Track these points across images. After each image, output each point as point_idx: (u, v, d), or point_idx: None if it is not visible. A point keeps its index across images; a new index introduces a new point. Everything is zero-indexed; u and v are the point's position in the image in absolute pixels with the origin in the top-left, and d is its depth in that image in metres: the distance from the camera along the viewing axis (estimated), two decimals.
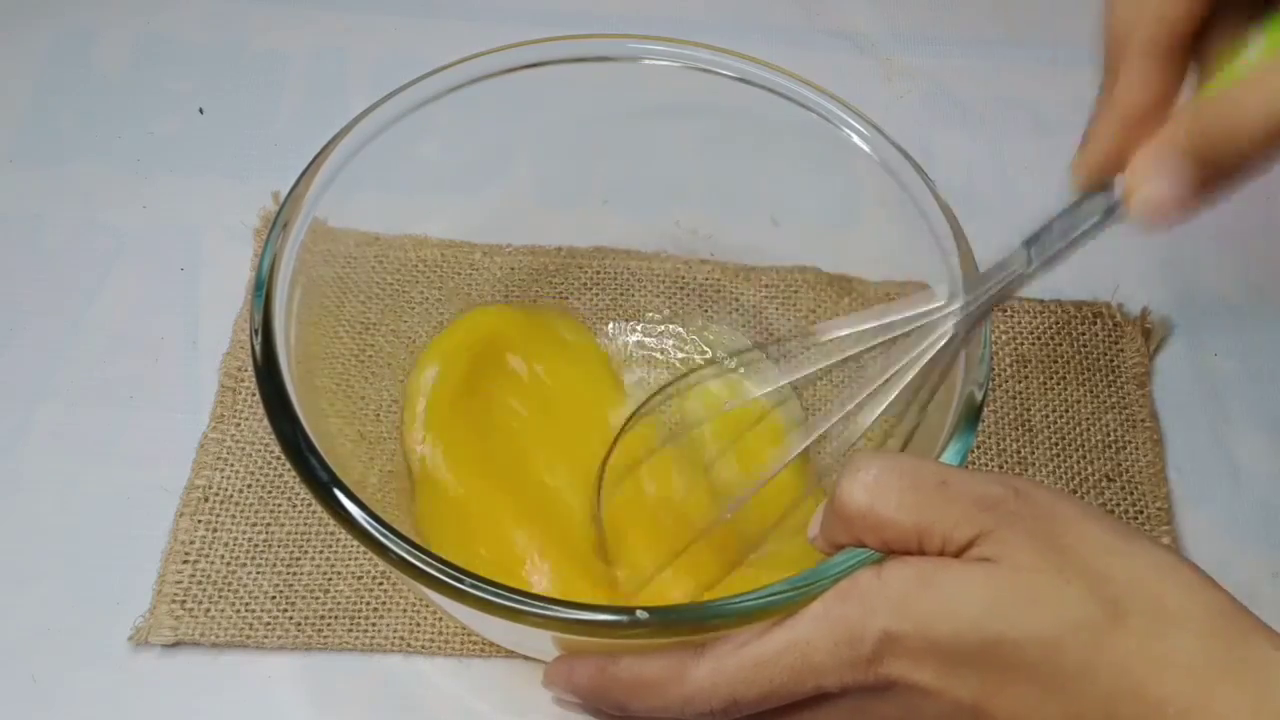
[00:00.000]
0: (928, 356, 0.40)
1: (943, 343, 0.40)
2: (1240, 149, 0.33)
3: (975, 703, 0.33)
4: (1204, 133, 0.34)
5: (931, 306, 0.40)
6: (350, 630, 0.47)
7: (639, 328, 0.55)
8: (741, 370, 0.53)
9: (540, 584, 0.45)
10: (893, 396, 0.40)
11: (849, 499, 0.35)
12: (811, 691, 0.35)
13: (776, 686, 0.35)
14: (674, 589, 0.45)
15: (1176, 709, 0.31)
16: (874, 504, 0.35)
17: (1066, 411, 0.54)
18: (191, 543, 0.49)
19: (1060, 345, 0.56)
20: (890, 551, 0.35)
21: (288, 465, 0.39)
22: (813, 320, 0.54)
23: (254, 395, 0.52)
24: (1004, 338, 0.56)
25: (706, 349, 0.54)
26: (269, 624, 0.47)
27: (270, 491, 0.50)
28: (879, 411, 0.40)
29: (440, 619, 0.48)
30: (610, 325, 0.55)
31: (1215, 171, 0.34)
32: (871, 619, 0.34)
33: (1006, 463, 0.53)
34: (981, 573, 0.33)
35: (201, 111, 0.63)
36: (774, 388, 0.49)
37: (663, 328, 0.55)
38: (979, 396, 0.40)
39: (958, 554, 0.34)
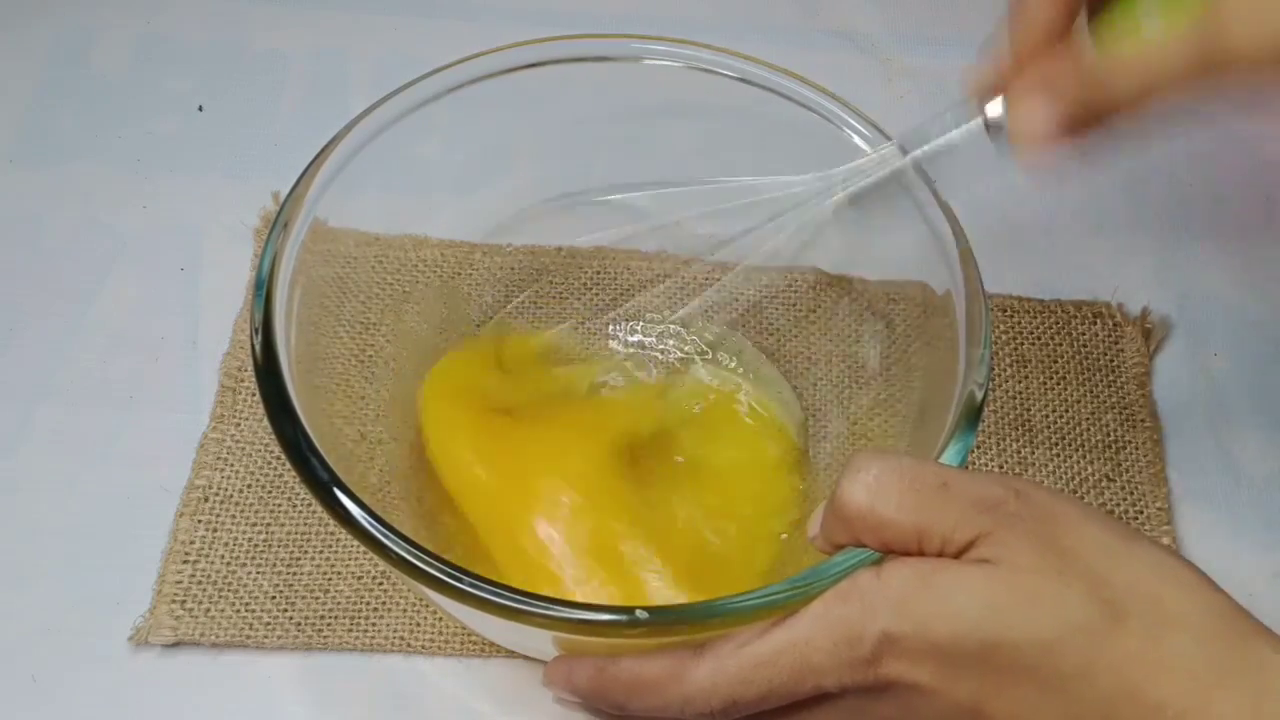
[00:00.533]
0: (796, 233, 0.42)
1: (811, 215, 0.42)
2: (1111, 110, 0.37)
3: (974, 704, 0.34)
4: (1084, 85, 0.37)
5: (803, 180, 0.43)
6: (350, 630, 0.47)
7: (639, 328, 0.55)
8: (739, 368, 0.53)
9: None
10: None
11: (849, 499, 0.35)
12: (811, 692, 0.35)
13: (776, 687, 0.35)
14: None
15: (1175, 711, 0.31)
16: (874, 504, 0.35)
17: (1066, 411, 0.54)
18: (191, 543, 0.49)
19: (1060, 345, 0.56)
20: (890, 552, 0.35)
21: (288, 465, 0.39)
22: (813, 320, 0.54)
23: (254, 395, 0.52)
24: (1004, 338, 0.56)
25: (706, 349, 0.54)
26: (269, 624, 0.47)
27: (270, 491, 0.50)
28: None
29: (440, 619, 0.48)
30: (610, 325, 0.55)
31: (1086, 120, 0.38)
32: (871, 620, 0.34)
33: (1006, 463, 0.53)
34: (981, 574, 0.33)
35: (201, 109, 0.63)
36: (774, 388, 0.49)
37: (662, 328, 0.55)
38: (979, 397, 0.40)
39: (957, 555, 0.34)
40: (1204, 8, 0.35)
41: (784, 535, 0.48)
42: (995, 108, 0.40)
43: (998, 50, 0.40)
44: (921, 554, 0.35)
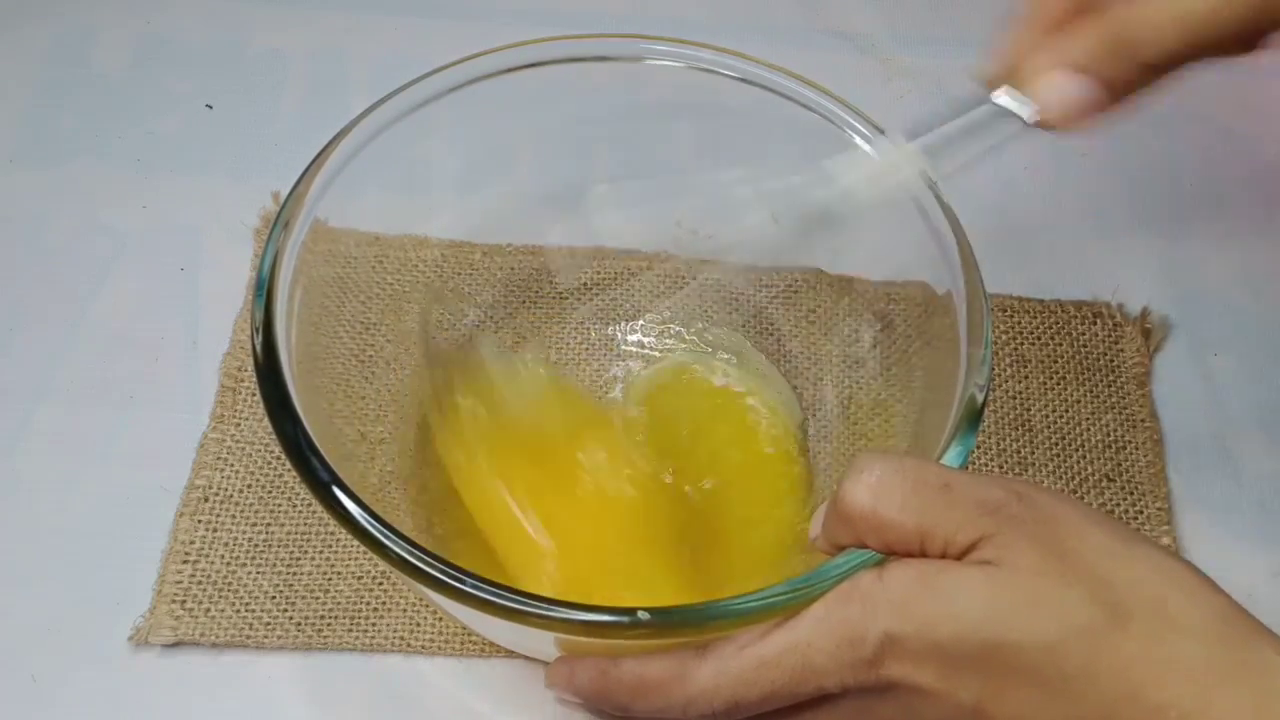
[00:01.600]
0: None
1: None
2: (1148, 73, 0.35)
3: (976, 705, 0.34)
4: (1115, 51, 0.35)
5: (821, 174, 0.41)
6: (350, 630, 0.47)
7: (639, 327, 0.55)
8: (739, 367, 0.53)
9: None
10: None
11: (852, 499, 0.35)
12: (813, 693, 0.35)
13: (778, 688, 0.35)
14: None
15: (1177, 713, 0.31)
16: (877, 505, 0.35)
17: (1066, 411, 0.54)
18: (191, 543, 0.49)
19: (1060, 345, 0.56)
20: (892, 553, 0.35)
21: (288, 465, 0.39)
22: (813, 320, 0.54)
23: (254, 395, 0.52)
24: (1004, 338, 0.56)
25: (707, 349, 0.54)
26: (269, 624, 0.47)
27: (270, 491, 0.50)
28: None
29: (440, 619, 0.48)
30: (610, 325, 0.55)
31: (1124, 77, 0.36)
32: (873, 621, 0.34)
33: (1006, 463, 0.53)
34: (983, 575, 0.33)
35: (210, 107, 0.63)
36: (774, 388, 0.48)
37: (663, 328, 0.55)
38: (980, 398, 0.40)
39: (959, 557, 0.34)
40: None
41: (784, 536, 0.48)
42: (1012, 94, 0.38)
43: (1015, 30, 0.39)
44: (923, 555, 0.35)
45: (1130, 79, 0.36)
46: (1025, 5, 0.38)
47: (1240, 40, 0.35)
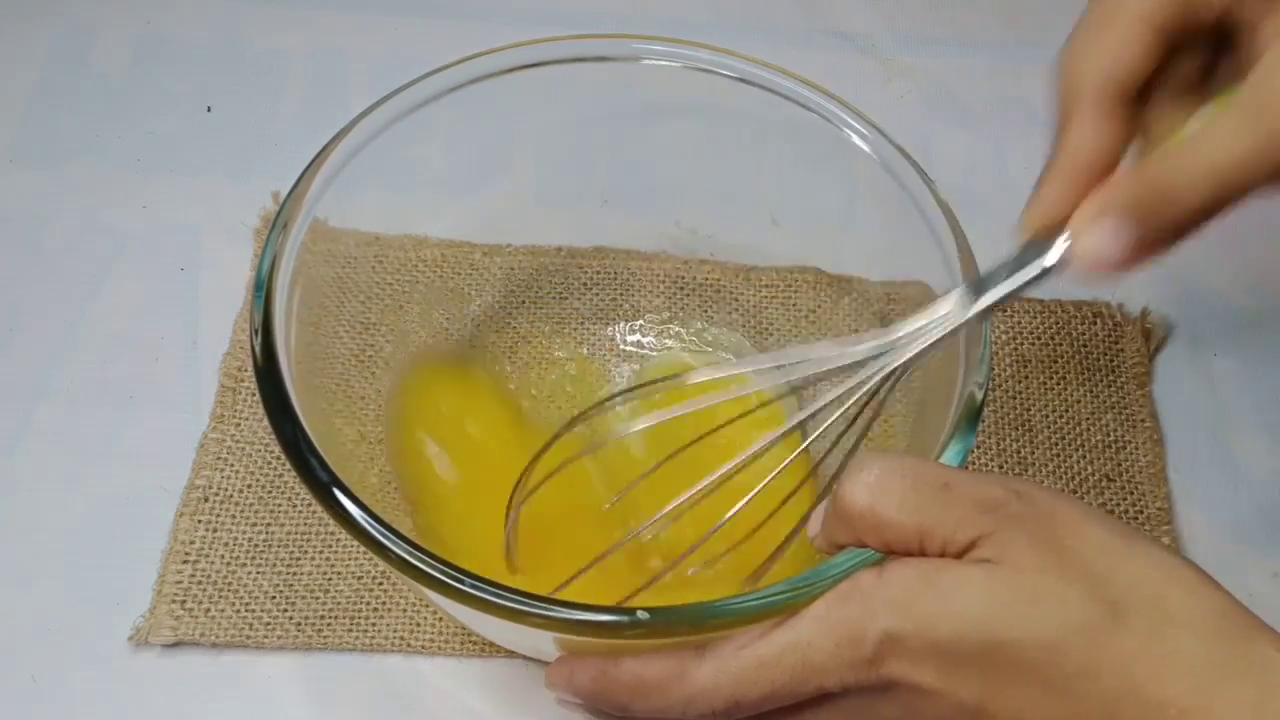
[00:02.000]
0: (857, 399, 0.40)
1: (875, 383, 0.39)
2: (1180, 210, 0.34)
3: (977, 704, 0.33)
4: (1147, 191, 0.35)
5: (875, 346, 0.40)
6: (350, 630, 0.47)
7: (639, 327, 0.55)
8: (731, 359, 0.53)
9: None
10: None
11: (851, 498, 0.35)
12: (813, 692, 0.35)
13: (778, 687, 0.35)
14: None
15: (1177, 709, 0.31)
16: (875, 504, 0.35)
17: (1066, 411, 0.54)
18: (191, 543, 0.49)
19: (1060, 345, 0.56)
20: (891, 552, 0.35)
21: (288, 465, 0.39)
22: (813, 320, 0.54)
23: (254, 395, 0.52)
24: (1004, 338, 0.56)
25: (707, 349, 0.54)
26: (269, 624, 0.47)
27: (270, 491, 0.50)
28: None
29: (440, 619, 0.48)
30: (610, 325, 0.55)
31: (1157, 230, 0.35)
32: (872, 620, 0.34)
33: (1006, 463, 0.53)
34: (982, 574, 0.33)
35: (210, 110, 0.63)
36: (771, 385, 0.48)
37: (662, 328, 0.55)
38: (979, 397, 0.40)
39: (959, 555, 0.34)
40: (1251, 89, 0.34)
41: (784, 534, 0.48)
42: (1059, 248, 0.37)
43: (1049, 181, 0.38)
44: (923, 554, 0.35)
45: (1173, 227, 0.35)
46: (1058, 154, 0.38)
47: (1269, 169, 0.34)
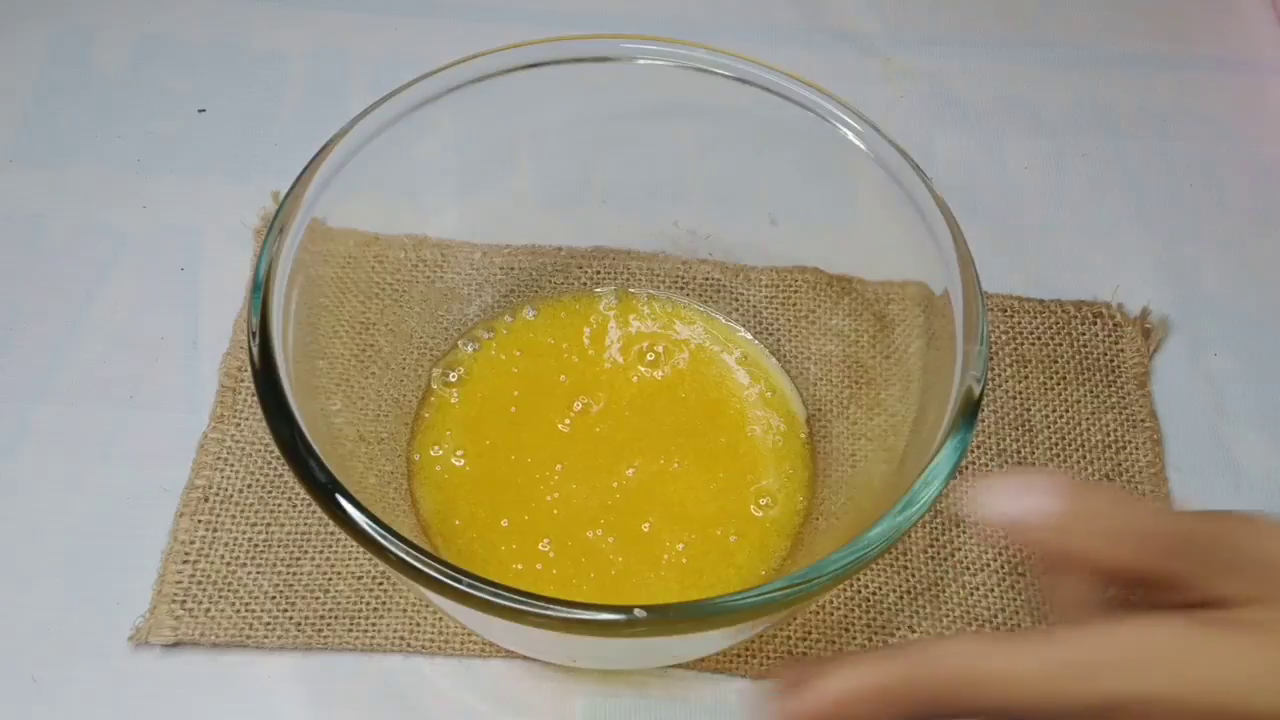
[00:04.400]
0: None
1: None
2: None
3: None
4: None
5: None
6: (350, 630, 0.47)
7: (639, 327, 0.55)
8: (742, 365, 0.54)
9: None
10: None
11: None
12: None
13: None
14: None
15: None
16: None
17: (1066, 411, 0.54)
18: (191, 543, 0.49)
19: (1060, 345, 0.56)
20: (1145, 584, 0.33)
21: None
22: (812, 320, 0.54)
23: (254, 395, 0.52)
24: (1004, 338, 0.56)
25: (707, 348, 0.55)
26: (269, 624, 0.47)
27: (270, 491, 0.50)
28: None
29: (440, 619, 0.48)
30: (610, 325, 0.55)
31: None
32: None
33: (1007, 463, 0.53)
34: (1253, 642, 0.30)
35: (202, 111, 0.63)
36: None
37: (662, 327, 0.55)
38: (977, 391, 0.40)
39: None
40: None
41: (787, 529, 0.48)
42: None
43: None
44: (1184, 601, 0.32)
45: None
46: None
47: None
